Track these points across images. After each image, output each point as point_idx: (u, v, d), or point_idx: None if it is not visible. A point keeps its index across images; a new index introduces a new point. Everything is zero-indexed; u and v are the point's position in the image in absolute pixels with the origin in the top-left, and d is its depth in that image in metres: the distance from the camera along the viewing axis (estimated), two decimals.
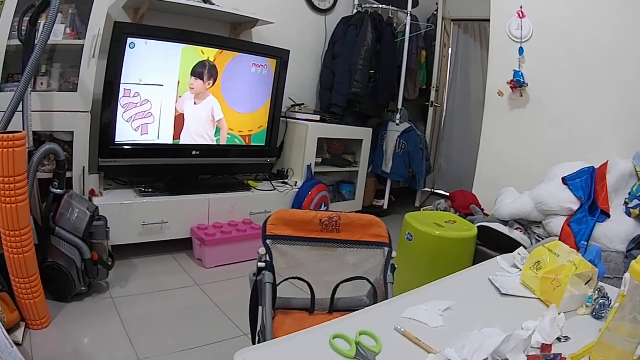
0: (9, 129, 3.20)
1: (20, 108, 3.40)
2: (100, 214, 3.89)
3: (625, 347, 1.44)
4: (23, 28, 3.61)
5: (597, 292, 1.90)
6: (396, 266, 2.32)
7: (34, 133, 3.81)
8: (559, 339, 1.61)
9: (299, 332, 1.53)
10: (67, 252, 3.58)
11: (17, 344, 2.94)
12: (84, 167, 4.27)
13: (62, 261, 3.57)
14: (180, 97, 4.89)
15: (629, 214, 3.85)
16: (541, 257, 2.08)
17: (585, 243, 3.71)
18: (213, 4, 5.14)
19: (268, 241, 2.24)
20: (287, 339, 1.51)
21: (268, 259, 2.18)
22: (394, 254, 2.34)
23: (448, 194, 5.40)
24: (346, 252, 2.39)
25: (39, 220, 3.62)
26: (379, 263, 2.36)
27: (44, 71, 4.12)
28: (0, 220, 3.00)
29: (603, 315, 1.81)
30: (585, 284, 1.93)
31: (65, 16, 4.11)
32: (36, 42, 3.40)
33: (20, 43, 3.64)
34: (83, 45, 4.07)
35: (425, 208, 5.03)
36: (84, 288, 3.70)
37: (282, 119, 6.00)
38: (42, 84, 4.08)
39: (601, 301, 1.85)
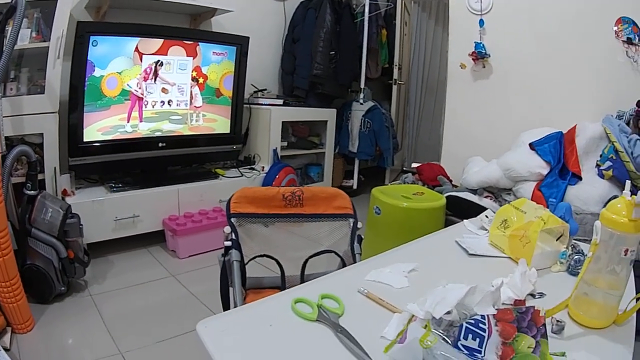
0: None
1: None
2: (73, 211, 3.92)
3: (607, 301, 1.42)
4: None
5: (570, 248, 1.88)
6: (362, 237, 2.31)
7: (6, 138, 3.78)
8: (533, 295, 1.59)
9: (261, 299, 1.51)
10: (44, 253, 3.60)
11: (6, 349, 2.98)
12: (55, 168, 4.28)
13: (40, 262, 3.59)
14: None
15: (601, 175, 3.88)
16: (507, 215, 2.05)
17: (554, 200, 3.71)
18: None
19: (233, 219, 2.23)
20: (249, 307, 1.50)
21: (233, 237, 2.16)
22: (359, 225, 2.32)
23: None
24: (312, 227, 2.38)
25: (15, 225, 3.60)
26: (345, 234, 2.35)
27: (12, 77, 4.13)
28: None
29: (579, 271, 1.77)
30: (557, 240, 1.91)
31: (31, 20, 4.14)
32: (4, 48, 3.41)
33: None
34: (49, 48, 4.08)
35: (393, 182, 5.02)
36: (63, 288, 3.74)
37: (245, 105, 5.99)
38: (11, 89, 4.08)
39: (576, 257, 1.82)
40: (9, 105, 3.89)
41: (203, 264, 4.59)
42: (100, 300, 3.81)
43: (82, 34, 4.38)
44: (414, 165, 6.25)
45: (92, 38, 4.44)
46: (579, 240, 2.04)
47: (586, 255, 1.69)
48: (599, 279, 1.42)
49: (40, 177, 3.97)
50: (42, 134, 4.18)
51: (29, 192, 3.67)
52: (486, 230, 2.19)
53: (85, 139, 4.59)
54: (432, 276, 1.63)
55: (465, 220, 2.34)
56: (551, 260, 1.87)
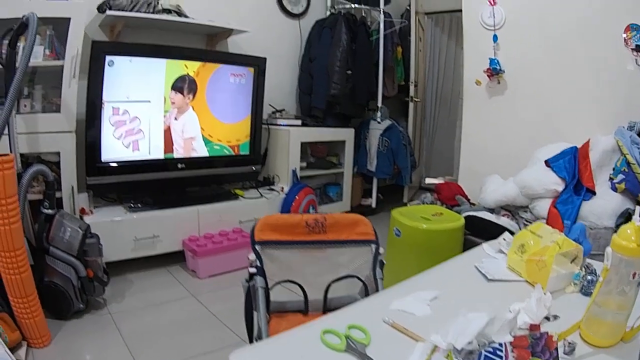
0: None
1: (5, 131, 3.44)
2: (92, 231, 3.93)
3: (615, 320, 1.47)
4: (3, 51, 3.63)
5: (584, 269, 1.92)
6: (384, 262, 2.35)
7: (21, 155, 3.82)
8: (547, 318, 1.63)
9: (290, 330, 1.55)
10: (62, 271, 3.62)
11: None
12: (72, 187, 4.32)
13: (59, 280, 3.60)
14: (167, 111, 4.95)
15: (614, 189, 3.88)
16: (525, 240, 2.10)
17: (569, 222, 3.73)
18: (187, 17, 5.17)
19: (257, 247, 2.26)
20: (280, 338, 1.53)
21: (258, 264, 2.21)
22: (381, 250, 2.37)
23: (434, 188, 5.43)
24: (335, 252, 2.41)
25: (32, 241, 3.65)
26: (367, 260, 2.39)
27: (26, 93, 4.16)
28: None
29: (592, 291, 1.80)
30: (571, 262, 1.95)
31: (44, 37, 4.15)
32: (17, 65, 3.44)
33: (0, 67, 3.65)
34: (63, 66, 4.12)
35: (411, 202, 5.05)
36: (82, 305, 3.75)
37: (263, 125, 6.02)
38: (25, 106, 4.13)
39: (589, 277, 1.86)
40: (23, 123, 3.96)
41: (223, 284, 4.60)
42: (120, 318, 3.83)
43: (98, 54, 4.44)
44: (428, 180, 6.28)
45: (107, 58, 4.49)
46: (594, 254, 2.10)
47: (598, 276, 1.75)
48: (609, 300, 1.46)
49: (57, 195, 3.98)
50: (58, 153, 4.24)
51: (46, 210, 3.69)
52: (504, 253, 2.24)
53: (103, 159, 4.63)
54: (454, 303, 1.68)
55: (483, 244, 2.38)
56: (565, 282, 1.91)
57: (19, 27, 3.50)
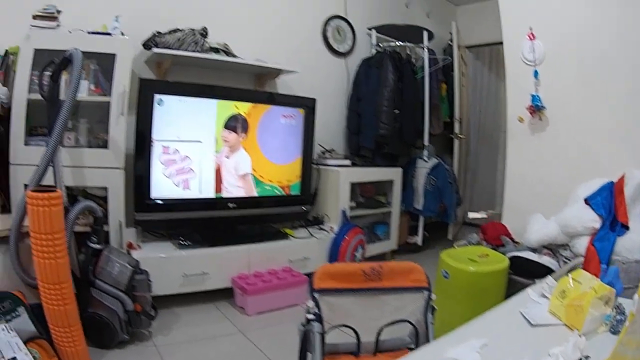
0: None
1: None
2: (141, 267, 4.04)
3: (635, 356, 1.61)
4: (44, 83, 3.74)
5: (614, 309, 2.05)
6: (436, 308, 2.48)
7: (67, 188, 3.91)
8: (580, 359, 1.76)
9: None
10: (109, 304, 3.70)
11: None
12: (120, 221, 4.41)
13: (104, 312, 3.69)
14: (217, 151, 5.10)
15: None
16: (566, 286, 2.23)
17: (605, 266, 3.76)
18: (236, 56, 5.33)
19: (316, 295, 2.39)
20: None
21: (317, 310, 2.34)
22: (433, 297, 2.50)
23: (479, 225, 5.51)
24: (389, 298, 2.52)
25: (76, 272, 3.69)
26: (419, 305, 2.50)
27: (69, 126, 4.20)
28: (40, 274, 3.14)
29: (620, 330, 1.92)
30: (605, 304, 2.09)
31: (88, 72, 4.26)
32: (61, 98, 3.57)
33: (41, 97, 3.77)
34: (109, 102, 4.23)
35: (458, 243, 5.10)
36: (126, 336, 3.81)
37: (313, 165, 6.11)
38: (69, 139, 4.23)
39: (618, 317, 2.00)
40: (68, 156, 4.06)
41: (271, 322, 4.60)
42: (165, 351, 3.87)
43: (147, 93, 4.58)
44: (471, 215, 6.35)
45: (157, 97, 4.63)
46: (626, 288, 2.24)
47: (626, 316, 1.91)
48: (632, 340, 1.61)
49: (104, 228, 4.06)
50: (106, 188, 4.30)
51: (94, 245, 3.78)
52: (547, 298, 2.36)
53: (152, 196, 4.76)
54: (501, 350, 1.83)
55: (528, 289, 2.50)
56: (598, 324, 2.05)
57: (62, 62, 3.62)
